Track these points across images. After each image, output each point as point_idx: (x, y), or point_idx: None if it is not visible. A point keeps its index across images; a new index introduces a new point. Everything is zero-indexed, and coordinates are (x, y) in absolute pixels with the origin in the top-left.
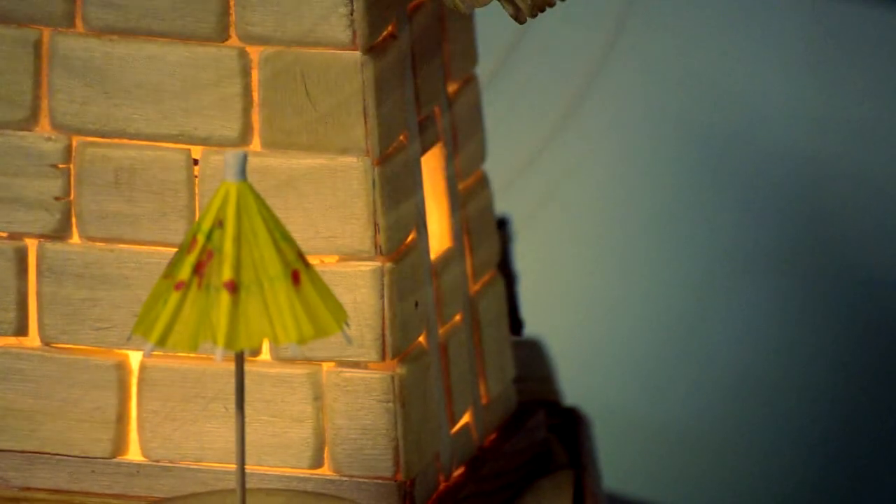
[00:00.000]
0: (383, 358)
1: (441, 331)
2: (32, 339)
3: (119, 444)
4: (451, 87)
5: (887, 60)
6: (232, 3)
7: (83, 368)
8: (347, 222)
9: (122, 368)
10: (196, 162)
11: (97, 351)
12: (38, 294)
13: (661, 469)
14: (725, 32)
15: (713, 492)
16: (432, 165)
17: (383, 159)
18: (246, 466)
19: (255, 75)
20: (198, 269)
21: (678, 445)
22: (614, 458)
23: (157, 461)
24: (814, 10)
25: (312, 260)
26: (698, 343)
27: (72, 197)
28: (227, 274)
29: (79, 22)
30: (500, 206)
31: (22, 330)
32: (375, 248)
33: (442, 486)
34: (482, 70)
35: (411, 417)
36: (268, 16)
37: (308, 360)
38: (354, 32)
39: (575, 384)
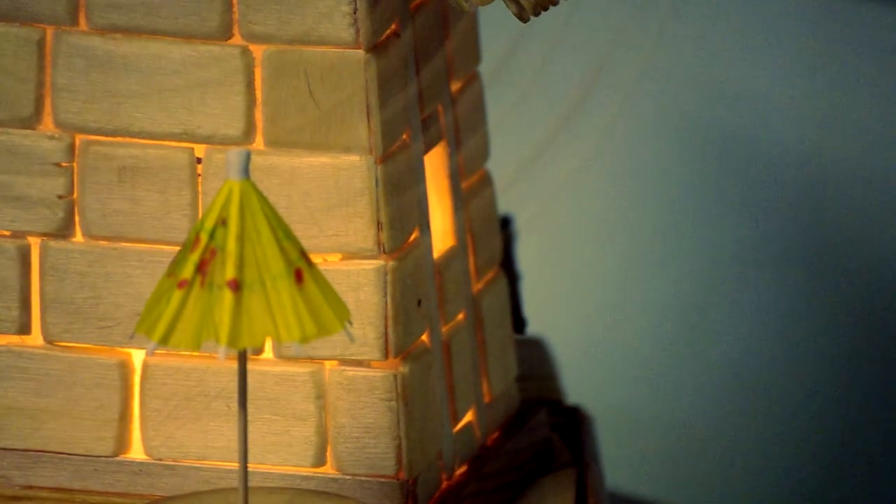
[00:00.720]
0: (386, 356)
1: (444, 329)
2: (35, 338)
3: (122, 443)
4: (455, 86)
5: (888, 60)
6: (235, 1)
7: (86, 367)
8: (350, 221)
9: (124, 367)
10: (199, 160)
11: (100, 349)
12: (41, 292)
13: (664, 468)
14: (728, 32)
15: (715, 490)
16: (435, 164)
17: (386, 158)
18: (248, 465)
19: (258, 74)
20: (201, 267)
21: (681, 444)
22: (617, 456)
23: (160, 460)
24: (816, 9)
25: (315, 258)
26: (701, 342)
27: (75, 195)
28: (230, 272)
29: (82, 20)
30: (503, 205)
31: (25, 328)
32: (378, 246)
33: (444, 484)
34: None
35: (414, 416)
36: (271, 14)
37: (311, 359)
38: (357, 31)
39: (578, 383)
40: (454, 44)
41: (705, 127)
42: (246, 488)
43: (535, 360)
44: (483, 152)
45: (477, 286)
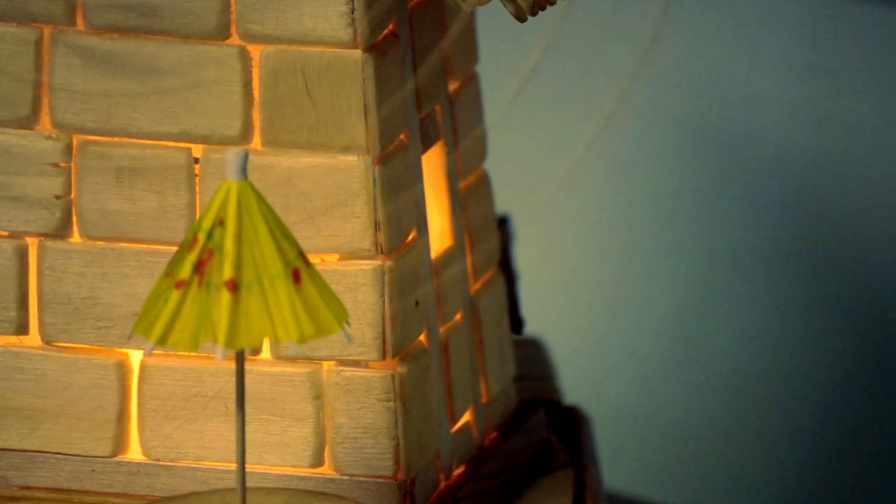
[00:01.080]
0: (384, 357)
1: (442, 329)
2: (33, 338)
3: (119, 443)
4: (452, 86)
5: (888, 60)
6: (233, 1)
7: (84, 367)
8: (348, 221)
9: (122, 367)
10: (197, 160)
11: (98, 350)
12: (39, 293)
13: (662, 468)
14: (726, 32)
15: (713, 490)
16: (433, 164)
17: (384, 158)
18: (246, 465)
19: (255, 74)
20: (198, 267)
21: (678, 444)
22: (614, 456)
23: (158, 460)
24: (816, 9)
25: (313, 258)
26: (699, 342)
27: (72, 195)
28: (227, 272)
29: (80, 20)
30: (501, 205)
31: (23, 329)
32: (376, 246)
33: (442, 484)
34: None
35: (412, 416)
36: (268, 14)
37: (308, 359)
38: (355, 31)
39: (575, 383)
40: (452, 44)
41: (704, 127)
42: (244, 489)
43: (532, 361)
44: (480, 152)
45: (474, 286)
